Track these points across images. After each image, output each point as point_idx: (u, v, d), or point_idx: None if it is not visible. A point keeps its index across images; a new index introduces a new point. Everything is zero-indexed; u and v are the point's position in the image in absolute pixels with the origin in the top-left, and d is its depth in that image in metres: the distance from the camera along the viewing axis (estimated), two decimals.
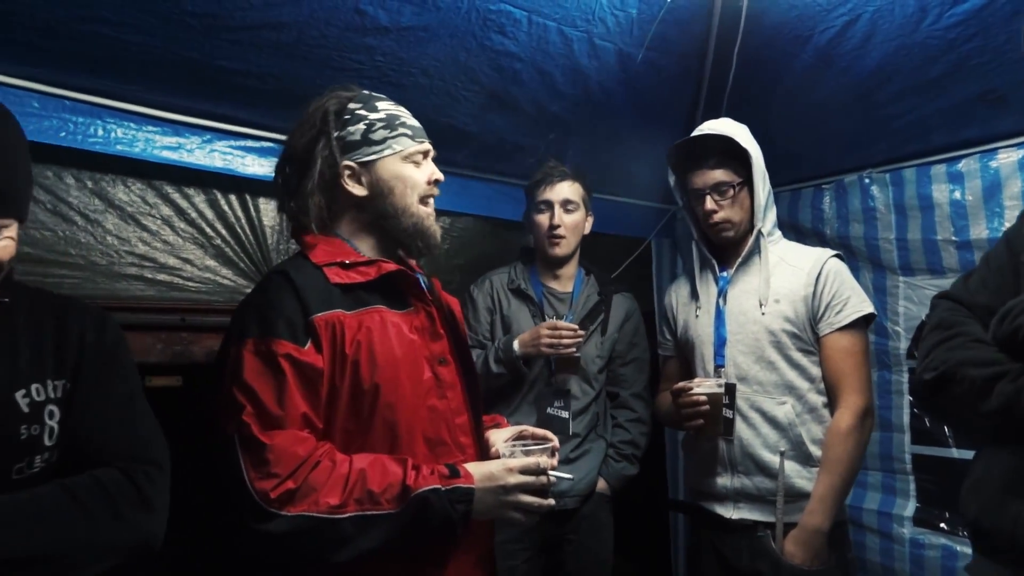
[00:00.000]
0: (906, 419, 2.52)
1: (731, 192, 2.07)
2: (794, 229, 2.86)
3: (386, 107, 1.50)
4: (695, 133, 2.11)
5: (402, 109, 1.53)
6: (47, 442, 1.07)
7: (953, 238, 2.36)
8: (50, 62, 1.77)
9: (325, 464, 1.27)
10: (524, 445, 1.49)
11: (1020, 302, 1.25)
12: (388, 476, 1.29)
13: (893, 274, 2.55)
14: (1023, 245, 1.38)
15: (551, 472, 1.41)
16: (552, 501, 1.42)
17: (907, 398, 2.52)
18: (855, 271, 2.64)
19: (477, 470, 1.37)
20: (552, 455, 1.47)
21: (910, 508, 2.48)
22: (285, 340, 1.30)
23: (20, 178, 1.05)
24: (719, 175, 2.07)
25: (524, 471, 1.37)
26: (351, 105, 1.47)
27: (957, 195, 2.36)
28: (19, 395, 1.05)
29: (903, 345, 2.52)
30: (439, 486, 1.30)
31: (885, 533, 2.51)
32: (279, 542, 1.22)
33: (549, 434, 1.58)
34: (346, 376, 1.34)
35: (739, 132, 2.08)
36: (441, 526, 1.30)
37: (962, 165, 2.36)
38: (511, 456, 1.43)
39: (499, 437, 1.57)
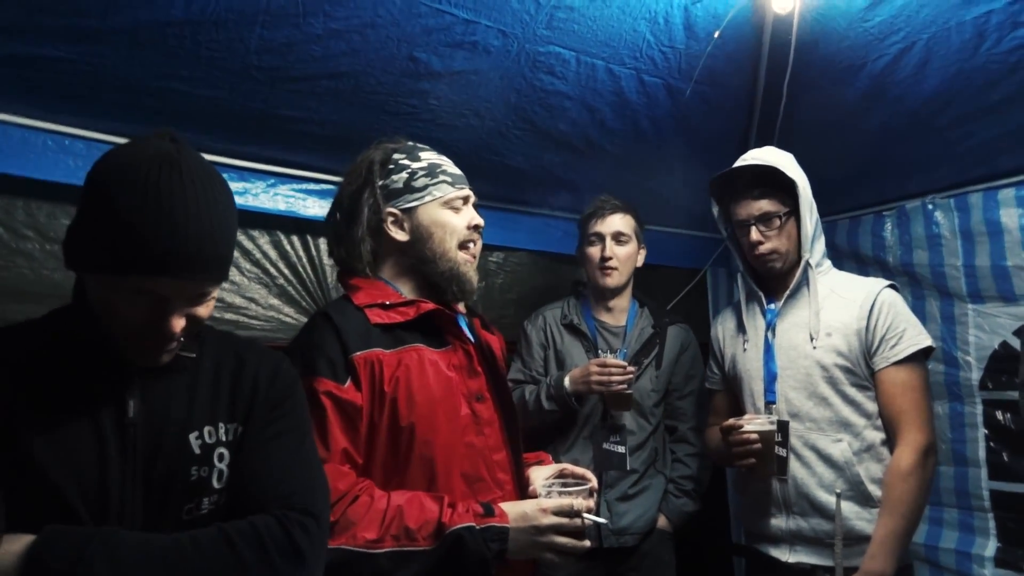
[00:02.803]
0: (982, 453, 2.41)
1: (777, 222, 2.02)
2: (855, 257, 2.79)
3: (428, 156, 1.56)
4: (738, 163, 2.08)
5: (444, 158, 1.59)
6: (215, 484, 1.09)
7: None
8: (129, 117, 1.90)
9: (364, 499, 1.31)
10: (563, 484, 1.49)
11: None
12: (425, 513, 1.32)
13: (962, 302, 2.46)
14: None
15: (585, 515, 1.41)
16: (588, 542, 1.41)
17: (982, 431, 2.41)
18: (921, 299, 2.57)
19: (512, 509, 1.38)
20: (590, 495, 1.47)
21: (991, 548, 2.35)
22: (326, 378, 1.35)
23: (232, 245, 1.09)
24: (764, 205, 2.03)
25: (558, 512, 1.37)
26: (395, 155, 1.54)
27: None
28: (192, 436, 1.08)
29: (975, 376, 2.42)
30: (473, 524, 1.32)
31: (964, 574, 2.39)
32: None
33: (588, 474, 1.58)
34: (384, 413, 1.38)
35: (784, 161, 2.04)
36: (475, 564, 1.31)
37: None
38: (547, 496, 1.43)
39: (539, 475, 1.58)
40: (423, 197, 1.51)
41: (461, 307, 1.63)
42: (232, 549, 0.99)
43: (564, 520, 1.37)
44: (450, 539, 1.29)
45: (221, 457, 1.10)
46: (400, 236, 1.51)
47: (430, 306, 1.48)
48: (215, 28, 1.75)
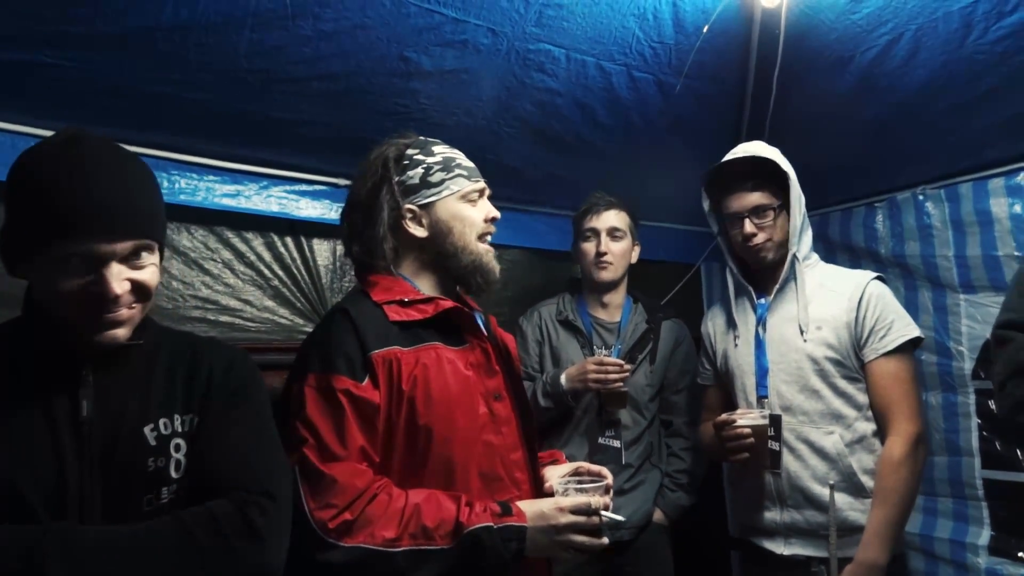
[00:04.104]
0: (975, 443, 2.42)
1: (771, 214, 2.04)
2: (847, 249, 2.81)
3: (442, 150, 1.55)
4: (729, 156, 2.09)
5: (456, 151, 1.58)
6: (173, 474, 1.11)
7: (1016, 253, 2.28)
8: (119, 121, 1.91)
9: (382, 498, 1.31)
10: (579, 482, 1.48)
11: None
12: (442, 512, 1.31)
13: (953, 292, 2.47)
14: None
15: (603, 513, 1.40)
16: (606, 540, 1.41)
17: (975, 420, 2.42)
18: (913, 290, 2.58)
19: (529, 508, 1.38)
20: (606, 493, 1.46)
21: (984, 536, 2.37)
22: (344, 376, 1.35)
23: (156, 206, 1.12)
24: (757, 198, 2.04)
25: (575, 511, 1.37)
26: (409, 151, 1.53)
27: (1017, 208, 2.29)
28: (147, 429, 1.10)
29: (967, 365, 2.43)
30: (491, 524, 1.31)
31: (959, 563, 2.40)
32: (336, 572, 1.26)
33: (605, 471, 1.57)
34: (402, 411, 1.38)
35: (775, 155, 2.05)
36: (493, 563, 1.31)
37: (1021, 178, 2.29)
38: (564, 494, 1.42)
39: (555, 473, 1.57)
40: (440, 192, 1.50)
41: (475, 304, 1.63)
42: (188, 535, 1.02)
43: (582, 519, 1.37)
44: (468, 539, 1.29)
45: (178, 448, 1.12)
46: (419, 232, 1.50)
47: (449, 304, 1.48)
48: (204, 32, 1.75)
